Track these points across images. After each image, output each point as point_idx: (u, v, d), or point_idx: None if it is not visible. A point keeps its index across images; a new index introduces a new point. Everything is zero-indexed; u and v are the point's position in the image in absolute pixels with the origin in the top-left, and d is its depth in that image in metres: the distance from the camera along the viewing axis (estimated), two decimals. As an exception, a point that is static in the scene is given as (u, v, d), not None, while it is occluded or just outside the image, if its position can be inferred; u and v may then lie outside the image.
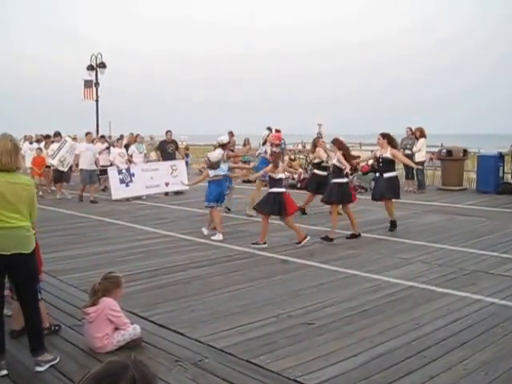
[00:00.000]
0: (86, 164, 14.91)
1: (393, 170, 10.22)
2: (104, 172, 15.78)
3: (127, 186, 15.14)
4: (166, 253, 8.61)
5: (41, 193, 14.94)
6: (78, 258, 7.90)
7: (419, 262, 7.92)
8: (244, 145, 20.38)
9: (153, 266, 7.74)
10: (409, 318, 5.58)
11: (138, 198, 15.12)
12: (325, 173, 11.58)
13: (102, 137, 17.53)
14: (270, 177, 9.17)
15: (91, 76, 23.00)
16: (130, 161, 15.59)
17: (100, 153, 15.56)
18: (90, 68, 22.94)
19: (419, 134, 15.78)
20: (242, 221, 11.43)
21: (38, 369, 4.43)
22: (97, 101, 23.07)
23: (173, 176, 15.80)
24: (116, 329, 4.89)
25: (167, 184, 15.87)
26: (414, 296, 6.33)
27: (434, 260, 7.98)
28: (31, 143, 17.94)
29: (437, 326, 5.34)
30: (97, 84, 22.96)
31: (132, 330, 4.92)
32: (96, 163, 15.19)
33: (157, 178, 15.74)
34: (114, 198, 14.78)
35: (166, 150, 16.74)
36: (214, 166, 9.88)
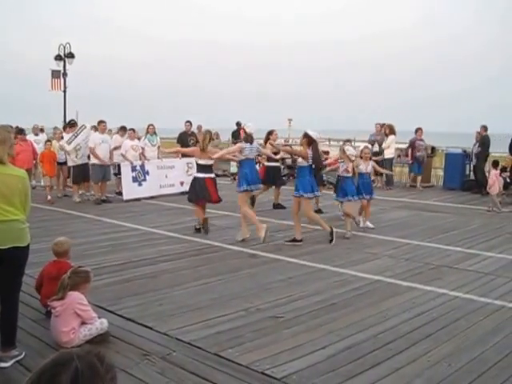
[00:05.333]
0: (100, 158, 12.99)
1: None
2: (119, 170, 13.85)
3: (140, 185, 13.62)
4: (134, 246, 8.55)
5: (49, 197, 12.97)
6: (43, 252, 7.71)
7: (386, 256, 8.04)
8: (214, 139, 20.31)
9: (121, 259, 7.67)
10: (375, 311, 5.67)
11: (150, 198, 13.63)
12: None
13: (123, 128, 14.32)
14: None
15: (59, 66, 22.50)
16: (143, 155, 13.80)
17: (116, 148, 13.51)
18: (58, 58, 22.46)
19: (389, 130, 16.01)
20: (210, 215, 11.38)
21: (3, 365, 4.35)
22: (64, 91, 22.64)
23: (188, 174, 13.85)
24: (83, 323, 4.84)
25: (182, 183, 14.17)
26: (380, 290, 6.43)
27: (401, 255, 8.11)
28: (36, 135, 15.29)
29: (402, 319, 5.45)
30: (65, 74, 22.50)
31: (99, 324, 4.88)
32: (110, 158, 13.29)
33: (172, 176, 14.31)
34: (125, 198, 13.26)
35: (187, 142, 14.94)
36: None
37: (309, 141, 8.72)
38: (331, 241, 8.79)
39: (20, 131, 12.46)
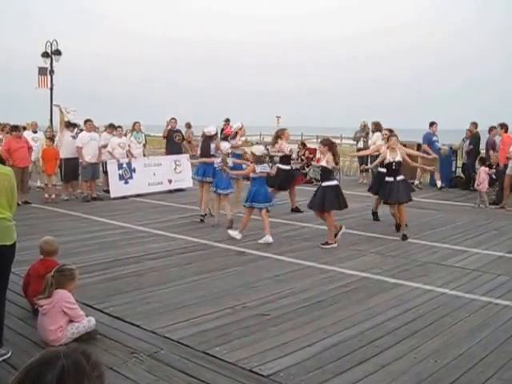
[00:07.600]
0: (89, 156, 12.87)
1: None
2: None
3: (126, 182, 13.52)
4: (121, 244, 8.51)
5: (53, 195, 12.79)
6: (30, 250, 7.66)
7: (373, 253, 8.08)
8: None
9: (108, 257, 7.65)
10: (362, 308, 5.70)
11: (138, 196, 13.54)
12: (288, 167, 11.22)
13: (112, 126, 13.86)
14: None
15: (46, 63, 22.36)
16: (130, 153, 13.68)
17: (105, 146, 13.30)
18: (45, 55, 22.31)
19: (374, 127, 16.09)
20: (198, 213, 11.36)
21: None
22: (51, 89, 22.51)
23: (176, 172, 14.31)
24: (70, 321, 4.82)
25: (170, 181, 14.32)
26: (367, 287, 6.46)
27: (388, 252, 8.15)
28: (35, 132, 14.27)
29: (389, 315, 5.48)
30: (52, 72, 22.37)
31: (87, 323, 4.86)
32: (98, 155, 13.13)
33: (160, 174, 14.16)
34: (112, 196, 13.18)
35: (173, 139, 15.08)
36: (260, 160, 8.89)
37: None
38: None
39: (14, 128, 12.19)
